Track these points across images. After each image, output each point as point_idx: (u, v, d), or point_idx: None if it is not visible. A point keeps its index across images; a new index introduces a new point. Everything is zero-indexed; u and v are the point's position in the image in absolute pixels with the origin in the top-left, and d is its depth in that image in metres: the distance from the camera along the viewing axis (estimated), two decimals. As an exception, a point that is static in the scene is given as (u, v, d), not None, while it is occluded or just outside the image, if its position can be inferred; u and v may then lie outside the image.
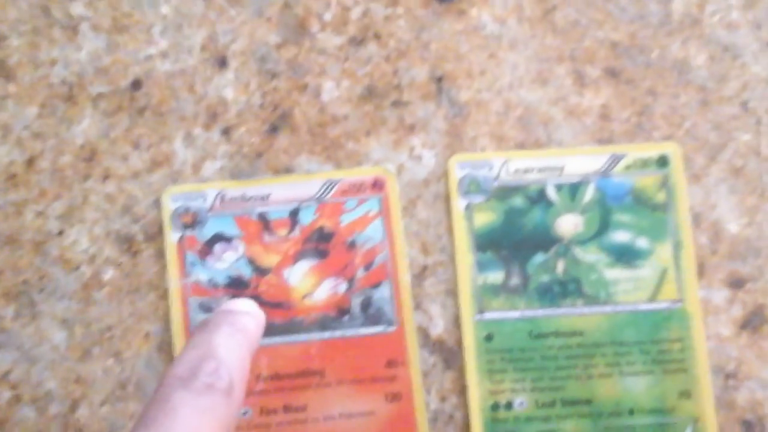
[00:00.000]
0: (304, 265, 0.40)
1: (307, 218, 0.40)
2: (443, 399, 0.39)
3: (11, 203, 0.41)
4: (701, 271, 0.40)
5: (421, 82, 0.41)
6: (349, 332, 0.39)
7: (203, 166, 0.41)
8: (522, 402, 0.39)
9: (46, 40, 0.42)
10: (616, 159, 0.40)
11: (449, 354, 0.40)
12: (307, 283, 0.40)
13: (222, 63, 0.41)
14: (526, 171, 0.40)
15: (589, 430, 0.39)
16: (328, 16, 0.42)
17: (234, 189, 0.40)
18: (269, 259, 0.40)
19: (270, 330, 0.39)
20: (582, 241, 0.40)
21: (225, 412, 0.27)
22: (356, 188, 0.40)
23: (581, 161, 0.40)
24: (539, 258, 0.40)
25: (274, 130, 0.41)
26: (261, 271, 0.40)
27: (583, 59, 0.41)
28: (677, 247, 0.40)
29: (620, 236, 0.40)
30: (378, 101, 0.41)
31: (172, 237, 0.40)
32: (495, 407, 0.39)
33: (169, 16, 0.42)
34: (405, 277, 0.40)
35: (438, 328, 0.40)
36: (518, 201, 0.40)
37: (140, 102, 0.41)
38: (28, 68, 0.41)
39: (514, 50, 0.41)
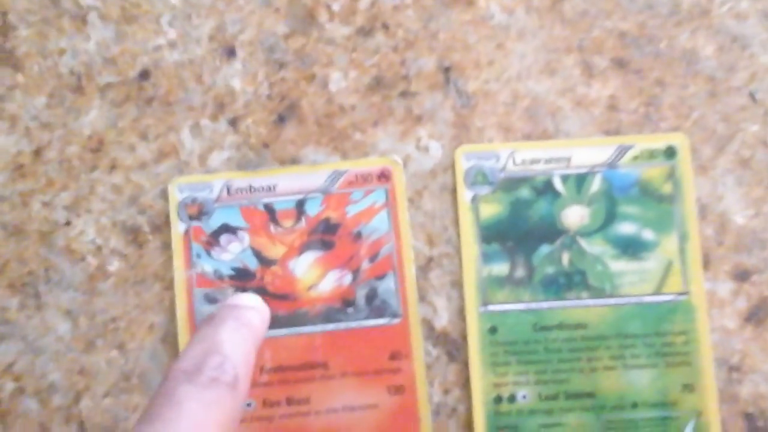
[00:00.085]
0: (310, 257, 0.40)
1: (313, 209, 0.40)
2: (446, 391, 0.40)
3: (18, 193, 0.41)
4: (707, 263, 0.40)
5: (428, 73, 0.41)
6: (354, 324, 0.39)
7: (210, 157, 0.41)
8: (525, 395, 0.39)
9: (55, 30, 0.42)
10: (623, 150, 0.40)
11: (453, 346, 0.40)
12: (313, 275, 0.40)
13: (230, 53, 0.41)
14: (533, 162, 0.40)
15: (591, 423, 0.39)
16: (336, 7, 0.41)
17: (240, 180, 0.40)
18: (275, 251, 0.40)
19: (274, 321, 0.39)
20: (588, 232, 0.40)
21: (230, 406, 0.27)
22: (363, 179, 0.40)
23: (588, 152, 0.40)
24: (545, 250, 0.40)
25: (281, 120, 0.41)
26: (266, 262, 0.40)
27: (591, 49, 0.41)
28: (683, 239, 0.39)
29: (626, 228, 0.40)
30: (385, 92, 0.41)
31: (178, 228, 0.40)
32: (498, 400, 0.39)
33: (178, 6, 0.42)
34: (410, 269, 0.40)
35: (442, 320, 0.40)
36: (524, 192, 0.40)
37: (148, 92, 0.41)
38: (37, 58, 0.42)
39: (522, 40, 0.41)
